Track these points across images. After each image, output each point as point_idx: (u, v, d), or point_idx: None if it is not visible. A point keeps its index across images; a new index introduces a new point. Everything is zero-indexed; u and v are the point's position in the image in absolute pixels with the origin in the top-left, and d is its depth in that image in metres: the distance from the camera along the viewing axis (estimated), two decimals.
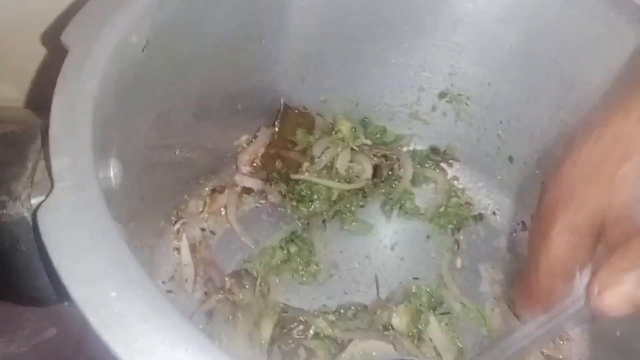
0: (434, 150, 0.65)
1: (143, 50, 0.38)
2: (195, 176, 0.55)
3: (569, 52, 0.50)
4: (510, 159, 0.60)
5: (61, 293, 0.29)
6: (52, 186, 0.25)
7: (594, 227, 0.29)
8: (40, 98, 0.53)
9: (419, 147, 0.65)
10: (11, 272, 0.28)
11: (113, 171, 0.34)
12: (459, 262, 0.59)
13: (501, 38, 0.53)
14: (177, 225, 0.51)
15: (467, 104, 0.60)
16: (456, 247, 0.60)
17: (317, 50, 0.57)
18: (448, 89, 0.60)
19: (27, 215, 0.27)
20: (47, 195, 0.25)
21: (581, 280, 0.29)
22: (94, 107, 0.31)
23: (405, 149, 0.64)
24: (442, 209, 0.62)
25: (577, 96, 0.51)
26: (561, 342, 0.53)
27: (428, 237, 0.61)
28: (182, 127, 0.50)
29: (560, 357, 0.51)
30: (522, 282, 0.35)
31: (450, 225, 0.61)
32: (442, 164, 0.65)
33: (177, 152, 0.48)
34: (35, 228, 0.27)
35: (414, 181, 0.63)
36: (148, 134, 0.43)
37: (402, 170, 0.63)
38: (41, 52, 0.49)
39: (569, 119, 0.53)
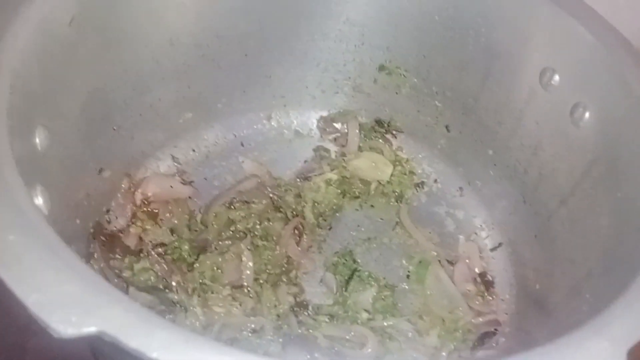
0: (378, 122, 0.67)
1: (70, 24, 0.40)
2: (136, 151, 0.57)
3: (492, 24, 0.53)
4: (447, 128, 0.63)
5: None
6: None
7: None
8: None
9: (364, 120, 0.67)
10: None
11: (39, 138, 0.36)
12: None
13: (430, 11, 0.56)
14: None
15: (405, 77, 0.62)
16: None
17: (257, 27, 0.59)
18: (387, 63, 0.62)
19: None
20: None
21: None
22: (12, 80, 0.33)
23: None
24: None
25: (502, 65, 0.54)
26: (490, 298, 0.56)
27: (372, 205, 0.64)
28: (122, 102, 0.52)
29: (488, 311, 0.55)
30: None
31: (395, 193, 0.64)
32: (387, 136, 0.68)
33: (114, 128, 0.50)
34: None
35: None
36: (83, 107, 0.45)
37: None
38: None
39: (496, 89, 0.56)
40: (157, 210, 0.58)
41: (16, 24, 0.35)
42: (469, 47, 0.56)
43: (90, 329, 0.22)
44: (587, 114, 0.46)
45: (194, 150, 0.63)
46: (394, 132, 0.67)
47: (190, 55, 0.56)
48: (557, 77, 0.49)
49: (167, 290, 0.46)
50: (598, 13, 0.47)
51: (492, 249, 0.60)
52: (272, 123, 0.67)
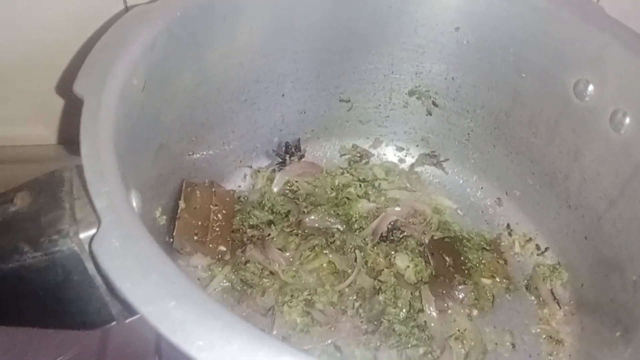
0: (425, 156, 0.70)
1: (143, 90, 0.42)
2: None
3: (520, 42, 0.56)
4: (480, 143, 0.66)
5: (109, 314, 0.33)
6: (99, 222, 0.29)
7: None
8: (67, 134, 0.66)
9: (409, 160, 0.70)
10: (65, 301, 0.32)
11: (135, 201, 0.38)
12: None
13: (458, 36, 0.59)
14: None
15: (434, 99, 0.65)
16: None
17: (292, 68, 0.61)
18: (416, 87, 0.65)
19: (77, 249, 0.30)
20: (97, 230, 0.28)
21: None
22: (114, 150, 0.35)
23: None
24: None
25: (533, 81, 0.57)
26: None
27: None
28: (179, 155, 0.54)
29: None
30: None
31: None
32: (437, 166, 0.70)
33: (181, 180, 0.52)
34: (84, 259, 0.31)
35: None
36: (152, 165, 0.47)
37: None
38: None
39: (528, 102, 0.59)
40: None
41: (105, 95, 0.37)
42: (497, 65, 0.59)
43: None
44: (627, 119, 0.49)
45: (239, 187, 0.65)
46: (442, 161, 0.70)
47: (235, 102, 0.58)
48: (591, 87, 0.52)
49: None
50: (624, 24, 0.50)
51: (540, 254, 0.63)
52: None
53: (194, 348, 0.25)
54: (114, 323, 0.33)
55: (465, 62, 0.60)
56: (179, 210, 0.54)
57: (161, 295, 0.26)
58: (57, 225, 0.31)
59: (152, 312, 0.25)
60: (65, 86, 0.59)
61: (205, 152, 0.58)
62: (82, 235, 0.31)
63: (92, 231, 0.30)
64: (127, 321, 0.33)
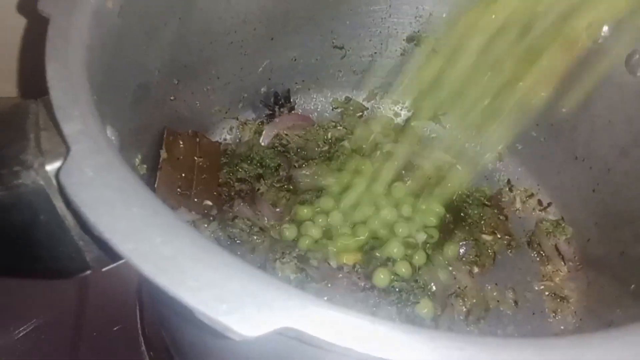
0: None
1: (119, 15, 0.37)
2: None
3: None
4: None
5: (83, 261, 0.29)
6: (69, 150, 0.25)
7: None
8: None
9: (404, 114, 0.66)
10: (34, 246, 0.27)
11: (113, 137, 0.33)
12: None
13: None
14: None
15: (434, 46, 0.61)
16: None
17: (283, 9, 0.56)
18: (415, 33, 0.61)
19: (42, 183, 0.26)
20: (65, 159, 0.24)
21: None
22: (87, 75, 0.30)
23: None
24: None
25: (542, 21, 0.53)
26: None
27: None
28: (161, 99, 0.49)
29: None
30: None
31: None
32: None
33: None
34: (52, 197, 0.26)
35: None
36: (131, 107, 0.42)
37: None
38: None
39: (527, 55, 0.55)
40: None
41: (76, 15, 0.32)
42: None
43: (275, 327, 0.20)
44: None
45: (225, 140, 0.61)
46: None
47: (220, 44, 0.54)
48: (606, 28, 0.48)
49: None
50: None
51: (542, 210, 0.60)
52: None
53: (185, 289, 0.21)
54: (89, 272, 0.29)
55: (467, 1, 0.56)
56: (160, 161, 0.49)
57: (145, 230, 0.22)
58: (20, 157, 0.26)
59: (135, 250, 0.21)
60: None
61: (188, 99, 0.53)
62: (48, 168, 0.26)
63: (61, 163, 0.26)
64: (103, 269, 0.29)
